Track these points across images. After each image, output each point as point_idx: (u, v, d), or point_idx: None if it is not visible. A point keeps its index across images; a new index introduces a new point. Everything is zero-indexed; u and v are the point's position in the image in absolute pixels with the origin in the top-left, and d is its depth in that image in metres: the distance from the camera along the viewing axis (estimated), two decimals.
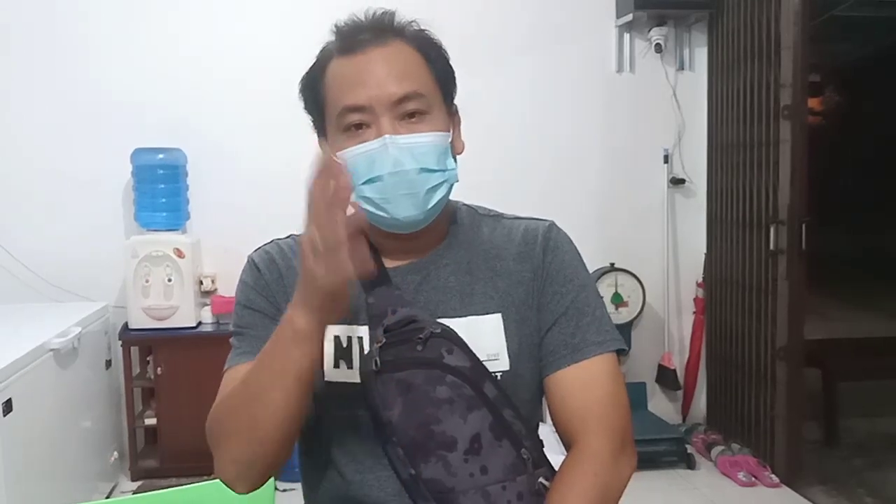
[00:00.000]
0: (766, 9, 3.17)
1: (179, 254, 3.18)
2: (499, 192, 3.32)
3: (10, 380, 2.21)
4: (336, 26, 1.10)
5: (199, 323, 3.29)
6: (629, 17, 3.51)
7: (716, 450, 3.36)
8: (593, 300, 1.13)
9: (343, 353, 1.09)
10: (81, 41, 3.37)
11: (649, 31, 3.61)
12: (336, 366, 1.09)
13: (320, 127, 1.11)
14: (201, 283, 3.35)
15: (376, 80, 1.03)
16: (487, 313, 1.09)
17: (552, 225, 1.17)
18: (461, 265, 1.12)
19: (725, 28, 3.52)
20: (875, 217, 8.00)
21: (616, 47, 3.66)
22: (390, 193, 1.03)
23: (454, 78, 1.12)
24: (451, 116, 1.12)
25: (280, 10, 3.44)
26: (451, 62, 1.13)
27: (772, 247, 3.17)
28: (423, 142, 1.04)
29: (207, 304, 3.34)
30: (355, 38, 1.07)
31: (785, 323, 3.15)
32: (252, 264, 1.15)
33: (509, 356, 1.08)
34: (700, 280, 3.77)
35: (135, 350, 3.29)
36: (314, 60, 1.11)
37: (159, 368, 3.18)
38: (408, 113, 1.04)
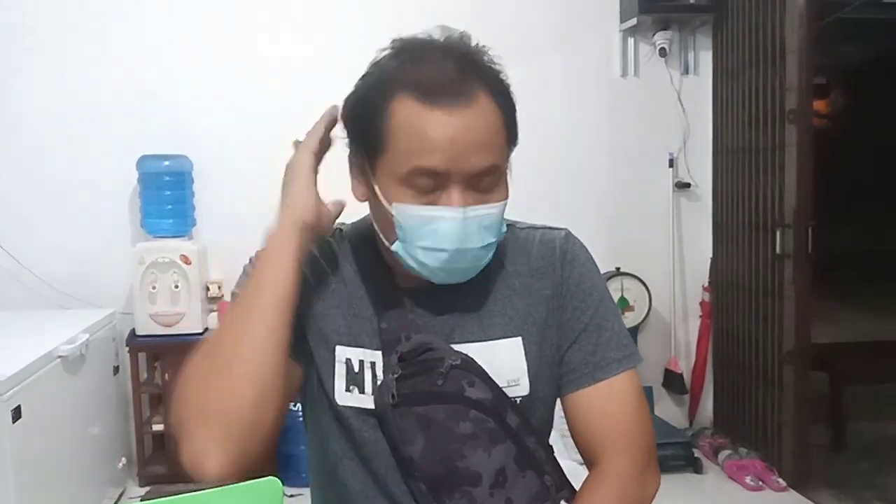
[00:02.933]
0: (771, 12, 3.17)
1: (186, 260, 3.19)
2: None
3: (19, 387, 2.22)
4: (400, 42, 1.00)
5: (206, 329, 3.30)
6: (633, 21, 3.52)
7: (723, 454, 3.35)
8: (612, 313, 1.10)
9: (354, 377, 1.05)
10: (87, 48, 3.38)
11: (654, 35, 3.61)
12: (347, 390, 1.05)
13: (368, 156, 1.01)
14: (208, 289, 3.36)
15: (459, 148, 0.95)
16: (507, 337, 1.06)
17: (568, 235, 1.13)
18: (477, 284, 1.06)
19: (730, 32, 3.52)
20: (882, 219, 7.96)
21: (620, 52, 3.66)
22: (447, 265, 0.98)
23: (517, 128, 1.06)
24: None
25: (289, 20, 3.45)
26: None
27: (778, 250, 3.17)
28: (491, 213, 0.99)
29: (214, 310, 3.35)
30: (434, 80, 0.95)
31: (792, 326, 3.14)
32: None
33: (529, 379, 1.05)
34: (706, 284, 3.76)
35: (142, 356, 3.30)
36: (373, 77, 1.00)
37: (166, 374, 3.19)
38: (482, 184, 0.98)
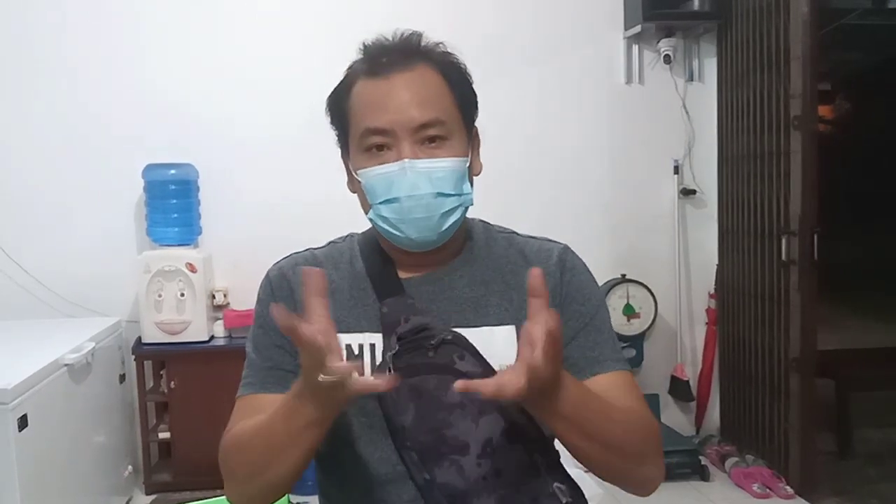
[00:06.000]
0: (775, 19, 3.17)
1: (192, 268, 3.19)
2: (508, 203, 3.33)
3: (25, 395, 2.23)
4: (364, 46, 1.13)
5: (212, 337, 3.31)
6: (638, 28, 3.52)
7: (730, 461, 3.34)
8: (608, 322, 1.16)
9: (354, 360, 1.10)
10: (93, 58, 3.40)
11: (658, 42, 3.61)
12: None
13: (344, 143, 1.15)
14: (213, 297, 3.37)
15: (399, 104, 1.06)
16: (501, 324, 1.11)
17: (567, 248, 1.19)
18: (476, 277, 1.14)
19: (734, 39, 3.52)
20: (889, 225, 7.95)
21: (625, 59, 3.67)
22: (406, 215, 1.07)
23: (476, 101, 1.15)
24: (471, 139, 1.14)
25: (293, 29, 3.47)
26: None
27: (783, 257, 3.16)
28: (441, 167, 1.07)
29: (220, 319, 3.35)
30: (381, 60, 1.09)
31: (798, 333, 3.13)
32: (266, 281, 1.18)
33: None
34: (712, 291, 3.76)
35: (148, 364, 3.31)
36: (342, 78, 1.13)
37: (172, 382, 3.20)
38: (428, 138, 1.07)
